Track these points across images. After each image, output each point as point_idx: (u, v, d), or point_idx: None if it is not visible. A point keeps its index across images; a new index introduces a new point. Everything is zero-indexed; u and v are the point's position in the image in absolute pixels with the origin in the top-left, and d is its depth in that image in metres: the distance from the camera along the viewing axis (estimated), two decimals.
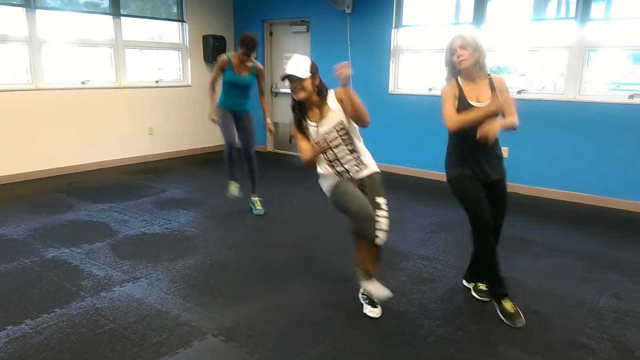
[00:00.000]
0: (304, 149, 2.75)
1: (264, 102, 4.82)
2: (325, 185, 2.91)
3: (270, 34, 7.86)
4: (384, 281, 2.94)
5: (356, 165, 2.81)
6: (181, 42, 7.55)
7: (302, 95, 2.67)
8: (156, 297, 3.06)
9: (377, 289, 2.84)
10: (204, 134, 7.86)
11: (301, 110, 2.76)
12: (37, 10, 5.86)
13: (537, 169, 5.58)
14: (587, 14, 5.11)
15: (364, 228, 2.68)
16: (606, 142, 5.10)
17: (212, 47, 7.59)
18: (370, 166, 2.87)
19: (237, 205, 4.98)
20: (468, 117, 2.71)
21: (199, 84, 7.72)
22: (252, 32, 4.85)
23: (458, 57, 2.74)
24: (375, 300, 2.89)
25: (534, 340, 2.65)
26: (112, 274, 3.37)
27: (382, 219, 2.72)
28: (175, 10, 7.43)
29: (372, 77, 6.67)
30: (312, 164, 2.80)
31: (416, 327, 2.77)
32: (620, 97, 5.09)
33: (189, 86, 7.64)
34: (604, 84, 5.41)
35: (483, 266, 3.03)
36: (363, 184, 2.81)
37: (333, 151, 2.75)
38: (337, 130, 2.72)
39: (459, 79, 2.84)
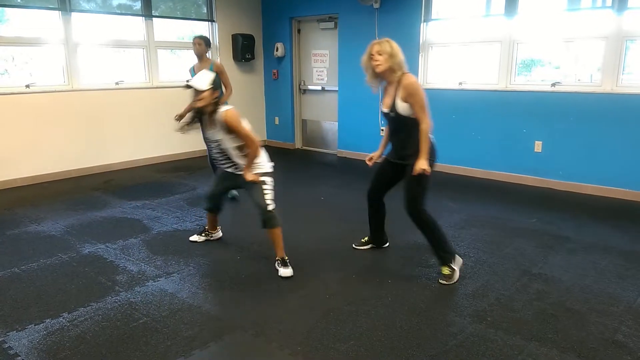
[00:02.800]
0: None
1: (227, 94, 5.07)
2: None
3: (299, 31, 7.88)
4: None
5: (234, 168, 3.53)
6: (211, 42, 7.64)
7: (199, 103, 3.24)
8: (188, 292, 3.12)
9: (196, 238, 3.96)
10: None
11: (200, 116, 3.36)
12: (72, 13, 6.04)
13: (572, 163, 5.43)
14: (624, 3, 4.93)
15: (205, 201, 3.82)
16: None
17: (242, 46, 7.68)
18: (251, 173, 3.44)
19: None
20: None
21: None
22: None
23: (374, 61, 3.10)
24: (287, 262, 3.37)
25: (568, 337, 2.59)
26: (146, 269, 3.45)
27: (264, 192, 3.34)
28: (205, 10, 7.53)
29: None
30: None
31: (447, 324, 2.74)
32: None
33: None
34: None
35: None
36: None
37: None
38: (217, 145, 3.48)
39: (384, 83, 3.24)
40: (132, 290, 3.13)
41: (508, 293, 3.09)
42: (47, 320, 2.78)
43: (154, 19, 6.84)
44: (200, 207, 4.88)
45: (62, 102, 6.06)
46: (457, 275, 3.25)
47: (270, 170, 3.49)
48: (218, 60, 5.04)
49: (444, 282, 3.22)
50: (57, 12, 5.94)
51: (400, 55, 3.12)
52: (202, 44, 5.01)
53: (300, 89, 8.09)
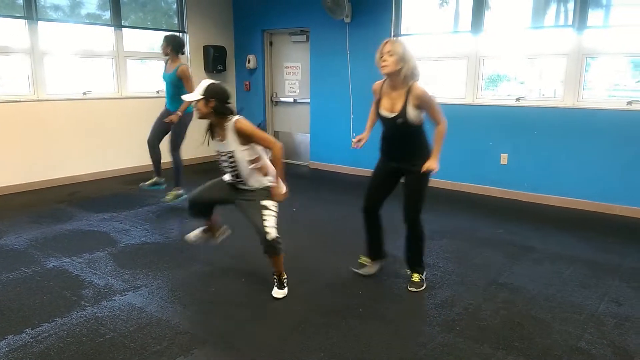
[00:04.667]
0: None
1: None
2: None
3: (270, 43, 7.92)
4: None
5: (239, 182, 3.23)
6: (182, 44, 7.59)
7: (197, 114, 3.13)
8: (156, 306, 3.07)
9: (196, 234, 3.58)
10: (203, 144, 7.90)
11: (211, 126, 3.18)
12: (39, 22, 5.92)
13: (537, 175, 5.59)
14: (584, 22, 5.14)
15: (189, 204, 3.41)
16: (605, 148, 5.11)
17: (213, 57, 7.66)
18: (254, 186, 3.20)
19: (236, 214, 5.00)
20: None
21: None
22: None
23: (382, 60, 2.93)
24: (284, 283, 3.23)
25: (534, 345, 2.65)
26: (113, 283, 3.38)
27: (264, 217, 3.07)
28: (175, 21, 7.50)
29: (371, 85, 6.70)
30: None
31: (416, 334, 2.77)
32: (619, 103, 5.10)
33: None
34: (603, 91, 5.43)
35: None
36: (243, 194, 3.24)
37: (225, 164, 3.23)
38: (226, 155, 3.15)
39: (385, 83, 3.10)
40: (98, 305, 3.06)
41: (476, 302, 3.14)
42: (9, 337, 2.69)
43: (123, 29, 6.77)
44: (169, 220, 4.83)
45: (27, 112, 5.91)
46: (424, 284, 3.34)
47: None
48: (185, 66, 5.01)
49: (415, 289, 3.28)
50: (23, 20, 5.82)
51: (414, 61, 2.97)
52: (165, 46, 5.05)
53: (272, 100, 8.11)
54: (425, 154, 3.16)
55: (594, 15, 5.18)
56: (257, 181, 3.17)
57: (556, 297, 3.23)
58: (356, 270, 3.51)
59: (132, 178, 6.69)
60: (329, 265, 3.73)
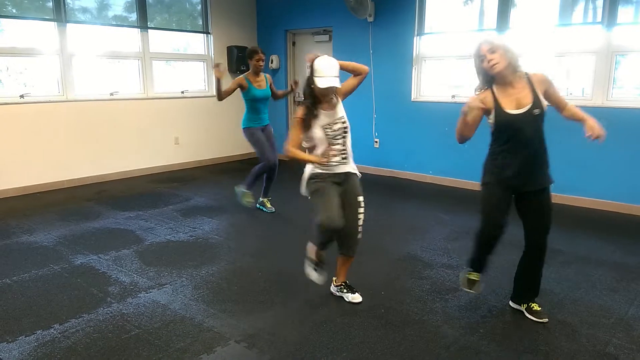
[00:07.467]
0: (293, 139, 2.92)
1: (280, 92, 5.42)
2: (311, 183, 3.08)
3: (293, 43, 7.94)
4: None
5: (343, 159, 3.00)
6: (206, 54, 7.68)
7: (334, 99, 2.93)
8: (180, 304, 3.10)
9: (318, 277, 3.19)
10: (228, 143, 7.96)
11: (315, 101, 2.90)
12: (68, 24, 6.06)
13: (564, 176, 5.45)
14: (614, 19, 5.02)
15: (326, 237, 3.00)
16: (635, 148, 4.98)
17: (237, 58, 7.72)
18: (352, 165, 3.08)
19: (260, 213, 5.03)
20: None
21: None
22: (263, 42, 5.17)
23: (489, 62, 2.63)
24: (354, 289, 3.18)
25: (560, 349, 2.60)
26: (138, 281, 3.43)
27: (360, 215, 3.00)
28: (200, 22, 7.58)
29: (395, 84, 6.68)
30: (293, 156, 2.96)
31: (439, 336, 2.74)
32: None
33: (214, 96, 7.73)
34: (633, 89, 5.29)
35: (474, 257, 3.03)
36: (342, 182, 3.01)
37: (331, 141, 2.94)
38: (342, 122, 2.96)
39: (494, 87, 2.73)
40: (124, 302, 3.12)
41: (500, 305, 3.10)
42: (39, 332, 2.76)
43: (149, 30, 6.87)
44: (193, 219, 4.88)
45: (57, 112, 6.05)
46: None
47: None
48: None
49: (546, 319, 2.86)
50: (52, 23, 5.96)
51: (515, 49, 2.73)
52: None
53: (295, 100, 8.13)
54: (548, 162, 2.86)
55: (624, 12, 5.05)
56: (351, 155, 3.05)
57: (583, 300, 3.16)
58: (467, 290, 3.06)
59: (158, 177, 6.79)
60: (351, 266, 3.71)
